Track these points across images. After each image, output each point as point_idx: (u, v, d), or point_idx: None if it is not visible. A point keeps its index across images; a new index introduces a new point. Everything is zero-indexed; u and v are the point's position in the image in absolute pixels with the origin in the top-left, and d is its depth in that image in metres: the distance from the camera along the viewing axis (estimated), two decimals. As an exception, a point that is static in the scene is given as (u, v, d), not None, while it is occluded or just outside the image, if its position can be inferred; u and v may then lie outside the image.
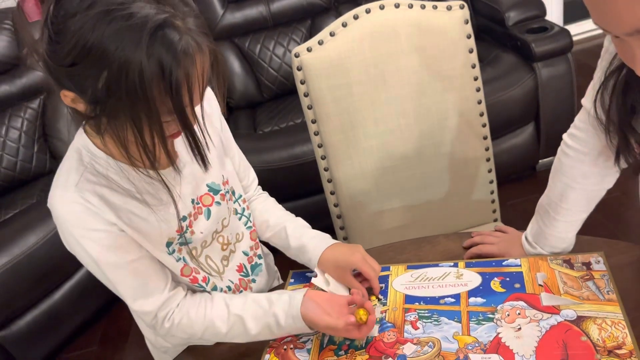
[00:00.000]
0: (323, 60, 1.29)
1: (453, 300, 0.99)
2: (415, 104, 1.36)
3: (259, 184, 1.17)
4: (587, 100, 0.94)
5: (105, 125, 0.73)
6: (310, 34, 2.52)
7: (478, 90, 1.38)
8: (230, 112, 2.52)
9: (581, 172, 0.99)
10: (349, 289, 1.04)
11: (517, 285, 0.98)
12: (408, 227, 1.48)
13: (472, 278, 1.02)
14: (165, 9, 0.69)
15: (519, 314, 0.93)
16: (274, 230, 1.10)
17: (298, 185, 2.13)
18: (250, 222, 1.07)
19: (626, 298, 0.92)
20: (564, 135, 1.01)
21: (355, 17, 1.28)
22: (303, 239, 1.07)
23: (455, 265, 1.06)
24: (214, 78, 0.76)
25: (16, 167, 2.28)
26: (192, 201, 0.93)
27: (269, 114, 2.43)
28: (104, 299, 2.19)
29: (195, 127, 0.76)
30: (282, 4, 2.51)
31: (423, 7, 1.30)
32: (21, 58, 2.30)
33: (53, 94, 2.35)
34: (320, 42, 1.28)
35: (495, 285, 1.00)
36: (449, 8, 1.30)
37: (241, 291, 1.06)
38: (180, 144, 0.89)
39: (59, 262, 1.98)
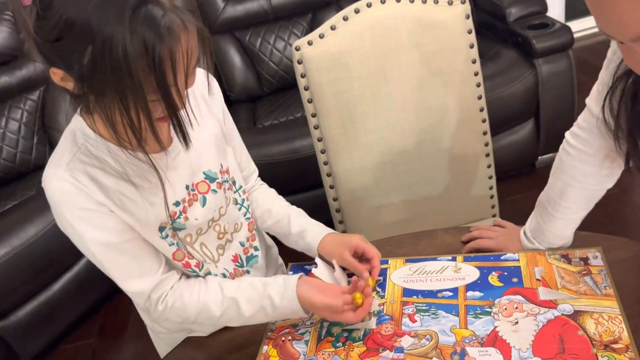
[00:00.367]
0: (324, 54, 1.29)
1: (451, 293, 0.99)
2: (416, 98, 1.36)
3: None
4: (592, 102, 0.94)
5: (94, 104, 0.74)
6: (311, 27, 2.51)
7: (478, 85, 1.38)
8: (230, 105, 2.52)
9: (582, 172, 0.99)
10: (349, 282, 1.05)
11: (515, 280, 0.99)
12: (407, 221, 1.48)
13: (470, 272, 1.03)
14: None
15: (517, 308, 0.93)
16: (276, 218, 1.11)
17: (297, 179, 2.13)
18: (249, 213, 1.08)
19: (623, 293, 0.93)
20: (567, 134, 1.01)
21: (357, 11, 1.28)
22: (305, 225, 1.08)
23: (454, 259, 1.07)
24: (202, 57, 0.76)
25: (16, 159, 2.28)
26: (187, 187, 0.93)
27: (269, 107, 2.43)
28: (103, 291, 2.20)
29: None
30: (283, -2, 2.50)
31: (424, 1, 1.30)
32: (21, 49, 2.30)
33: (53, 85, 2.34)
34: (321, 36, 1.28)
35: (493, 279, 1.00)
36: (450, 3, 1.30)
37: None
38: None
39: (58, 253, 1.98)
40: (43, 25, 0.70)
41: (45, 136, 2.34)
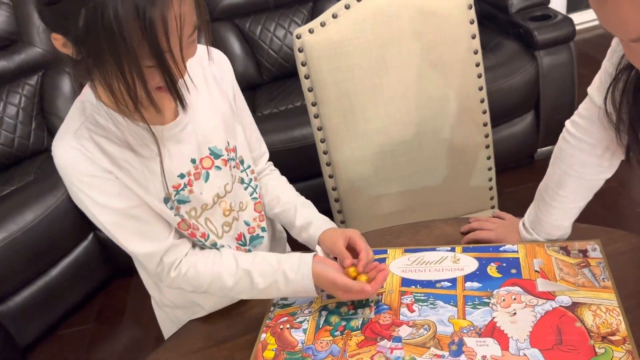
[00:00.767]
0: (325, 42, 1.28)
1: (449, 284, 0.99)
2: (416, 88, 1.35)
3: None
4: (594, 91, 0.93)
5: (92, 69, 0.74)
6: (312, 16, 2.50)
7: (479, 76, 1.38)
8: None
9: (580, 161, 0.99)
10: None
11: (514, 271, 0.99)
12: (406, 212, 1.48)
13: (468, 263, 1.03)
14: None
15: (515, 299, 0.93)
16: (283, 207, 1.11)
17: (297, 168, 2.10)
18: (257, 193, 1.08)
19: (621, 285, 0.93)
20: (567, 122, 1.01)
21: (358, 0, 1.27)
22: (310, 217, 1.08)
23: (453, 250, 1.07)
24: (197, 22, 0.76)
25: (14, 144, 2.27)
26: (193, 161, 0.94)
27: (269, 96, 2.42)
28: (101, 277, 2.19)
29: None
30: (284, -15, 2.49)
31: (427, -10, 1.29)
32: (19, 34, 2.28)
33: (51, 70, 2.35)
34: (323, 24, 1.27)
35: (492, 270, 1.00)
36: (453, -8, 1.29)
37: None
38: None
39: (56, 239, 1.98)
40: None
41: (44, 121, 2.33)
